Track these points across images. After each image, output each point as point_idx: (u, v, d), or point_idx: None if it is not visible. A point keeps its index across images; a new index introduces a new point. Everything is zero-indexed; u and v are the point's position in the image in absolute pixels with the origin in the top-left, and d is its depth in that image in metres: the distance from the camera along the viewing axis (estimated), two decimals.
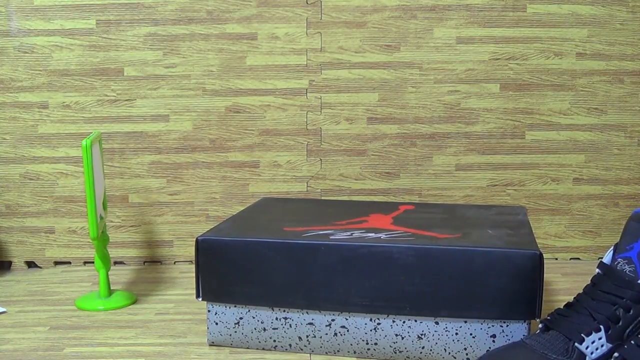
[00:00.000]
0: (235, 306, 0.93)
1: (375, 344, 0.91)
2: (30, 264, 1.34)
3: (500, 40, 1.29)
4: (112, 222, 1.32)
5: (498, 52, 1.29)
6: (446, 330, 0.89)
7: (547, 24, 1.29)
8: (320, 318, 0.91)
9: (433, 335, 0.90)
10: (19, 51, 1.29)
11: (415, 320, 0.90)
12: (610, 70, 1.30)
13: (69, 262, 1.34)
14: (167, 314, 1.08)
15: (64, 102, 1.30)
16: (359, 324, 0.91)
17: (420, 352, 0.90)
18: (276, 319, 0.93)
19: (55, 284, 1.23)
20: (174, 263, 1.34)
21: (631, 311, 0.75)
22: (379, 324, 0.90)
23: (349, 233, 0.94)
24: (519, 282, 0.85)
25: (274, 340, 0.93)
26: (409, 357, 0.91)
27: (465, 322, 0.89)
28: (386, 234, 0.93)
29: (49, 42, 1.28)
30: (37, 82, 1.29)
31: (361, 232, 0.94)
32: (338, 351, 0.92)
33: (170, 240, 1.34)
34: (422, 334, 0.90)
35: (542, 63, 1.30)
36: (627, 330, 0.75)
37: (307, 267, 0.90)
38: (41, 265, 1.34)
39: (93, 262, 1.14)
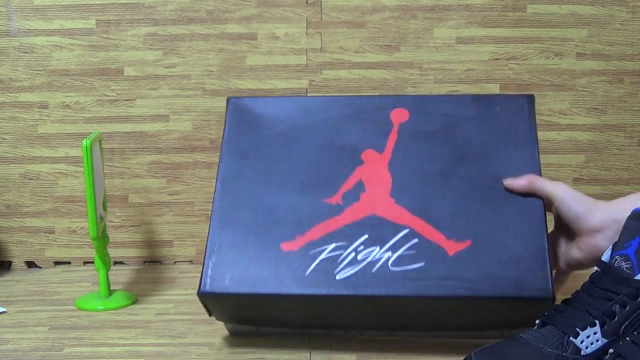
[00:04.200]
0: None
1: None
2: (30, 264, 1.34)
3: (500, 40, 1.29)
4: (112, 222, 1.32)
5: (498, 52, 1.29)
6: None
7: (547, 24, 1.29)
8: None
9: None
10: (19, 51, 1.29)
11: None
12: (610, 70, 1.30)
13: (69, 262, 1.34)
14: (167, 314, 1.08)
15: (64, 102, 1.30)
16: None
17: None
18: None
19: (55, 284, 1.23)
20: (174, 263, 1.34)
21: (627, 307, 0.76)
22: None
23: (350, 249, 0.90)
24: (528, 312, 0.84)
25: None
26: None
27: None
28: (391, 253, 0.89)
29: (49, 42, 1.28)
30: (37, 82, 1.29)
31: (362, 247, 0.91)
32: None
33: (170, 240, 1.34)
34: None
35: (542, 63, 1.30)
36: (623, 326, 0.76)
37: (315, 309, 0.90)
38: (41, 265, 1.34)
39: (93, 262, 1.14)
